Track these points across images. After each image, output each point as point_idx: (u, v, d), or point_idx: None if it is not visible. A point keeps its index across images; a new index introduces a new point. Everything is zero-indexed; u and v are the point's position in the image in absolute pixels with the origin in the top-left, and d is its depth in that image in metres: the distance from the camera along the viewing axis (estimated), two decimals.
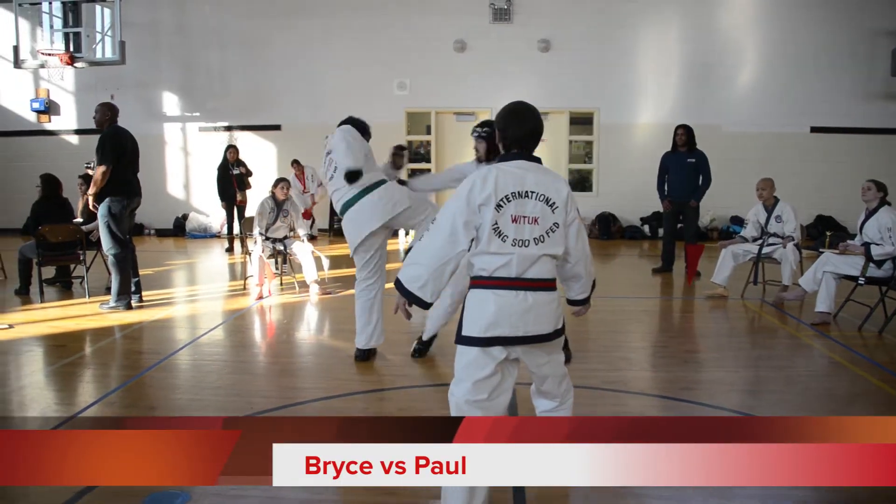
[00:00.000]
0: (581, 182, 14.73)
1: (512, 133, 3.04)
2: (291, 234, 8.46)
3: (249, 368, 5.00)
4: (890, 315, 6.56)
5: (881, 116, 13.88)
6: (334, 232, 14.10)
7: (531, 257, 2.95)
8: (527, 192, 2.94)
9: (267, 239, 8.11)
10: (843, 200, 13.51)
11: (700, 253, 8.17)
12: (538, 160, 3.08)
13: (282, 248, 8.22)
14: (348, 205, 5.18)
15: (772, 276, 8.16)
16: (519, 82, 14.13)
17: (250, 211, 12.45)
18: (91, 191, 7.26)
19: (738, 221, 13.64)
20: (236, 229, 12.21)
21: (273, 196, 8.31)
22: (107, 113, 7.36)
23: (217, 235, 14.25)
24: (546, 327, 3.01)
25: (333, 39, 14.25)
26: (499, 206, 2.90)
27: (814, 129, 14.02)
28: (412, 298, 2.98)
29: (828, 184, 13.76)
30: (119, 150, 7.15)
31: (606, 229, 14.11)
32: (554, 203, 2.97)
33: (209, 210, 14.55)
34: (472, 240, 2.93)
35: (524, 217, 2.93)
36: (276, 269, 8.33)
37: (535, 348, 3.05)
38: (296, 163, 12.97)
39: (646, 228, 14.28)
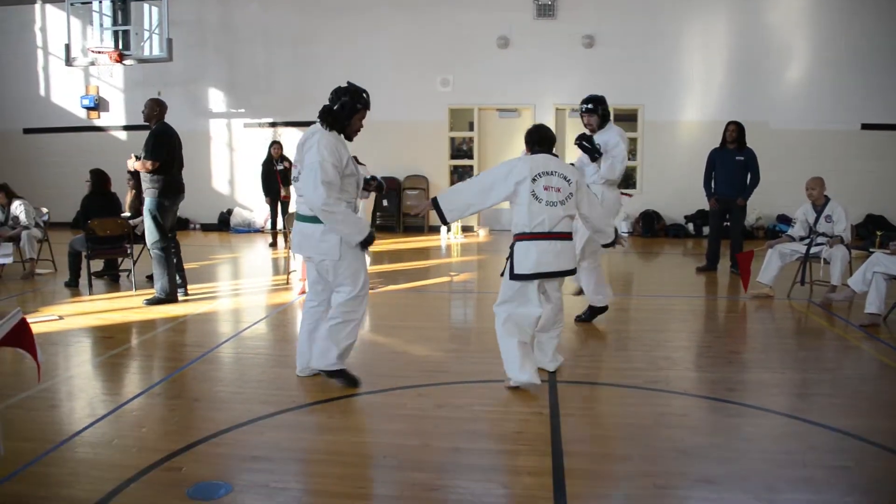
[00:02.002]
0: (624, 180, 14.42)
1: (538, 139, 4.83)
2: None
3: (292, 363, 5.02)
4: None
5: None
6: (376, 227, 14.17)
7: (558, 216, 4.55)
8: (551, 171, 4.61)
9: None
10: (895, 199, 13.23)
11: (751, 259, 7.99)
12: (556, 155, 4.84)
13: None
14: (299, 218, 4.75)
15: (819, 277, 7.97)
16: (562, 79, 14.05)
17: (294, 207, 12.63)
18: (140, 166, 7.29)
19: (785, 220, 13.36)
20: (280, 224, 12.33)
21: None
22: (155, 108, 7.49)
23: (261, 230, 14.40)
24: (570, 265, 4.69)
25: (377, 36, 14.31)
26: (534, 179, 4.53)
27: (864, 126, 13.64)
28: (438, 210, 4.67)
29: (879, 182, 13.39)
30: (168, 146, 7.29)
31: (650, 227, 13.93)
32: (569, 179, 4.66)
33: (253, 205, 14.71)
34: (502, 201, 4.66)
35: (552, 187, 4.56)
36: None
37: (558, 280, 4.83)
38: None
39: (690, 227, 14.05)
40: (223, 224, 14.83)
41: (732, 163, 9.28)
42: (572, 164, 5.79)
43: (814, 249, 7.74)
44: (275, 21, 14.67)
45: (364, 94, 4.73)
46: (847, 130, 13.66)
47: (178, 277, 7.69)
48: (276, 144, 12.32)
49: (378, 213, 14.28)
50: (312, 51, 14.51)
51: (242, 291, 8.52)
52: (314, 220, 4.54)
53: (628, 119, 14.32)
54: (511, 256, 4.56)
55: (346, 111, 4.62)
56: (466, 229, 14.16)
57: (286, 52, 14.68)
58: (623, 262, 11.03)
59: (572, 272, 4.73)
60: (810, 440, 3.98)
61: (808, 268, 7.94)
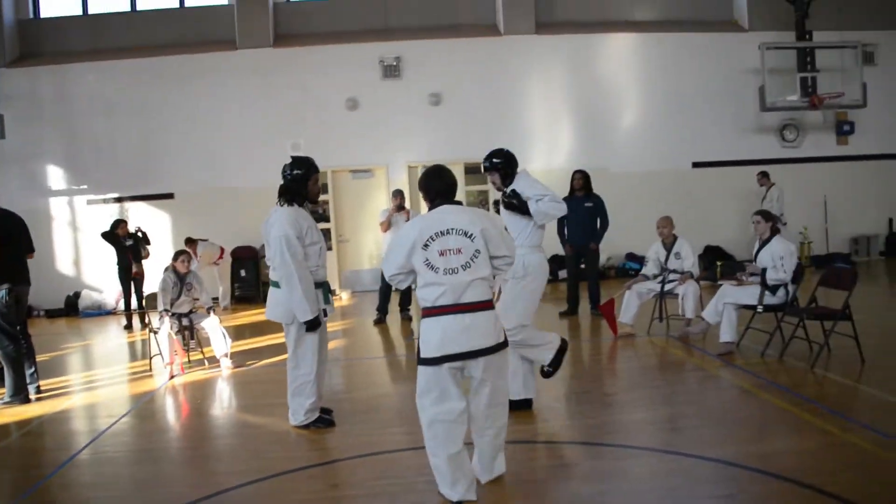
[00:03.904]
0: None
1: (435, 187, 3.96)
2: (196, 307, 8.22)
3: (171, 456, 4.75)
4: (788, 340, 6.95)
5: (755, 148, 14.89)
6: (236, 300, 13.83)
7: (462, 283, 3.74)
8: (448, 229, 3.79)
9: (172, 315, 7.83)
10: (728, 229, 14.37)
11: (613, 306, 8.42)
12: (459, 203, 3.98)
13: (188, 322, 7.95)
14: (272, 284, 5.46)
15: (673, 311, 8.47)
16: (413, 137, 14.38)
17: (148, 283, 12.08)
18: None
19: (633, 258, 14.20)
20: (134, 303, 11.73)
21: (174, 270, 8.05)
22: None
23: (113, 312, 13.64)
24: (486, 340, 3.78)
25: (224, 103, 14.12)
26: (426, 245, 3.77)
27: (695, 165, 14.84)
28: (392, 279, 3.95)
29: (713, 214, 14.56)
30: None
31: None
32: (470, 233, 3.79)
33: (102, 286, 13.93)
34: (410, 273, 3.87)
35: (448, 250, 3.76)
36: (185, 345, 8.01)
37: (484, 363, 3.80)
38: (189, 241, 12.58)
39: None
40: (71, 308, 13.90)
41: (582, 209, 9.74)
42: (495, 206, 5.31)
43: (667, 286, 8.25)
44: (115, 91, 14.15)
45: (309, 160, 5.40)
46: (679, 169, 14.78)
47: (28, 374, 7.10)
48: (122, 223, 11.74)
49: (236, 284, 13.92)
50: (157, 120, 14.12)
51: (102, 382, 7.92)
52: (275, 284, 5.27)
53: (476, 172, 14.78)
54: (417, 337, 3.93)
55: (296, 183, 5.24)
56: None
57: (129, 123, 14.17)
58: None
59: (495, 349, 3.79)
60: (694, 473, 4.20)
61: (663, 304, 8.43)
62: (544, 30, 14.71)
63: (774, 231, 7.44)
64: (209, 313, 8.05)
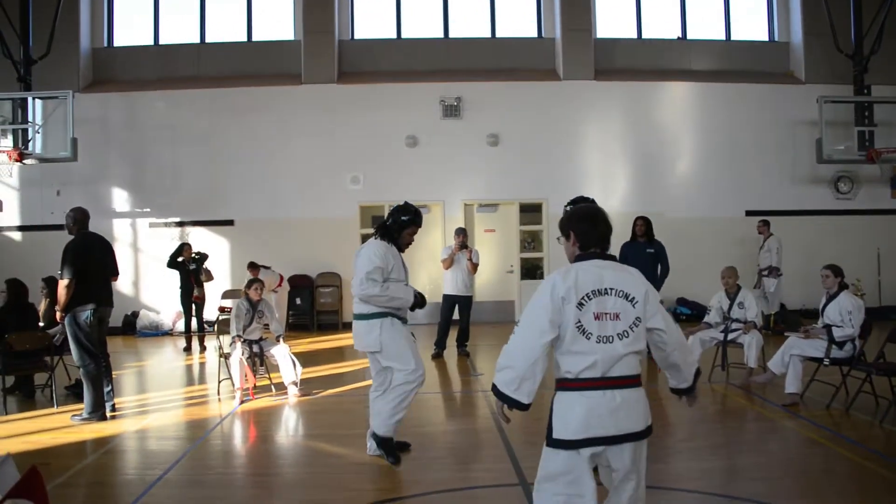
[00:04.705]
0: (532, 271, 15.10)
1: (591, 234, 3.23)
2: (266, 334, 8.44)
3: (261, 482, 4.89)
4: (855, 393, 6.95)
5: (808, 199, 14.92)
6: (290, 327, 14.04)
7: (616, 355, 3.04)
8: (606, 289, 3.08)
9: (244, 341, 8.05)
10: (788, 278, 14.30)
11: None
12: (613, 258, 3.27)
13: (258, 349, 8.16)
14: (354, 317, 5.59)
15: (735, 360, 8.49)
16: (469, 174, 14.62)
17: (209, 308, 12.37)
18: (57, 307, 7.11)
19: (684, 303, 14.19)
20: (194, 326, 11.99)
21: (247, 297, 8.30)
22: (72, 220, 7.29)
23: (170, 333, 13.95)
24: (638, 423, 3.09)
25: (287, 134, 14.53)
26: (580, 303, 3.04)
27: (748, 213, 14.85)
28: (509, 402, 3.09)
29: None
30: (82, 259, 7.03)
31: None
32: (633, 298, 3.11)
33: (160, 307, 14.28)
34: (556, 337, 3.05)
35: (606, 313, 3.06)
36: (254, 371, 8.21)
37: (627, 450, 3.08)
38: (252, 266, 12.79)
39: None
40: (128, 327, 14.25)
41: (644, 255, 9.81)
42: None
43: (730, 335, 8.29)
44: (182, 119, 14.63)
45: (418, 212, 5.57)
46: (733, 217, 14.82)
47: (105, 392, 7.33)
48: (187, 246, 12.08)
49: (291, 312, 14.16)
50: (221, 149, 14.53)
51: (172, 404, 8.14)
52: (360, 316, 5.44)
53: (534, 211, 14.99)
54: (550, 413, 3.12)
55: (396, 225, 5.48)
56: None
57: (194, 150, 14.61)
58: None
59: (645, 434, 3.12)
60: None
61: (725, 352, 8.46)
62: (603, 76, 14.95)
63: (843, 286, 7.48)
64: (279, 341, 8.25)
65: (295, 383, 8.08)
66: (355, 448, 5.88)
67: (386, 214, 5.61)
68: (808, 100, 14.50)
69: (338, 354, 11.41)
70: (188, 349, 11.90)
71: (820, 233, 14.75)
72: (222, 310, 13.30)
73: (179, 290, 11.87)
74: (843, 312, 7.20)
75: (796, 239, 14.23)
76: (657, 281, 9.88)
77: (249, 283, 8.39)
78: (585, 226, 3.26)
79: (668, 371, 3.39)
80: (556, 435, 3.06)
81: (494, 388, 3.13)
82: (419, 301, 5.48)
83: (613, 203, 14.34)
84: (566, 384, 3.08)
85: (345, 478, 5.30)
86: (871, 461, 5.36)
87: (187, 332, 12.04)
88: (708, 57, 15.60)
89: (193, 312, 11.95)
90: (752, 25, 16.03)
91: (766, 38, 16.03)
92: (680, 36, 15.81)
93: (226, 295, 13.43)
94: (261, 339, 8.29)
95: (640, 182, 14.78)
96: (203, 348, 11.79)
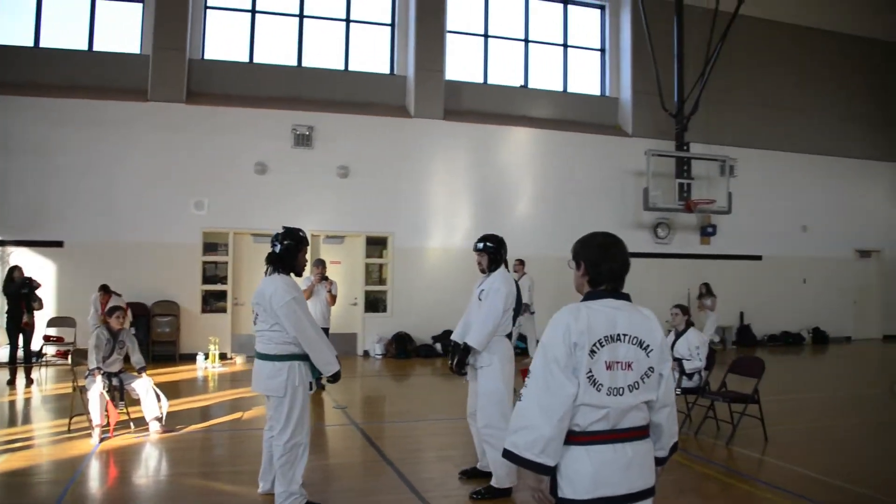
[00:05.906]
0: (375, 303, 15.16)
1: (606, 267, 2.89)
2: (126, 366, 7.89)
3: None
4: (702, 419, 7.82)
5: (632, 242, 16.03)
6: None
7: (626, 407, 2.76)
8: (619, 335, 2.77)
9: (103, 374, 7.47)
10: None
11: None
12: (627, 297, 2.90)
13: (118, 382, 7.61)
14: (256, 356, 5.33)
15: None
16: (318, 205, 14.52)
17: (37, 336, 11.31)
18: None
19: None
20: (20, 355, 10.87)
21: (107, 326, 7.74)
22: None
23: None
24: (647, 481, 2.82)
25: (129, 153, 13.58)
26: (592, 351, 2.71)
27: None
28: (533, 466, 2.71)
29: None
30: None
31: (403, 349, 14.51)
32: (648, 346, 2.82)
33: None
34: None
35: (617, 362, 2.74)
36: (115, 405, 7.60)
37: None
38: (103, 288, 11.78)
39: (438, 346, 14.85)
40: None
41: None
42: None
43: None
44: (13, 127, 13.22)
45: (301, 233, 5.40)
46: (565, 256, 15.70)
47: None
48: (17, 269, 11.03)
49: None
50: (55, 162, 13.26)
51: (17, 443, 7.34)
52: (265, 357, 5.16)
53: (379, 244, 15.12)
54: (554, 470, 2.78)
55: (290, 253, 5.29)
56: (224, 357, 13.56)
57: (24, 162, 13.17)
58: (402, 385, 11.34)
59: (654, 492, 2.86)
60: None
61: None
62: (451, 116, 15.48)
63: (689, 323, 8.28)
64: (140, 374, 7.75)
65: (159, 419, 7.62)
66: (247, 486, 5.67)
67: (276, 245, 5.30)
68: (634, 152, 15.89)
69: (189, 387, 10.83)
70: (12, 382, 10.74)
71: (641, 273, 16.02)
72: (48, 339, 12.28)
73: (5, 317, 10.75)
74: (691, 347, 8.02)
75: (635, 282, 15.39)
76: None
77: (111, 312, 7.82)
78: (598, 258, 2.91)
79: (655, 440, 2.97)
80: (562, 494, 2.76)
81: (510, 455, 2.74)
82: (338, 374, 5.30)
83: (456, 240, 14.88)
84: (572, 438, 2.74)
85: None
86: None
87: (12, 363, 10.86)
88: (547, 106, 16.66)
89: (21, 342, 10.85)
90: (586, 80, 17.34)
91: (598, 92, 17.38)
92: (523, 84, 16.75)
93: (52, 323, 12.35)
94: (121, 371, 7.75)
95: (481, 219, 15.31)
96: (30, 381, 10.72)
